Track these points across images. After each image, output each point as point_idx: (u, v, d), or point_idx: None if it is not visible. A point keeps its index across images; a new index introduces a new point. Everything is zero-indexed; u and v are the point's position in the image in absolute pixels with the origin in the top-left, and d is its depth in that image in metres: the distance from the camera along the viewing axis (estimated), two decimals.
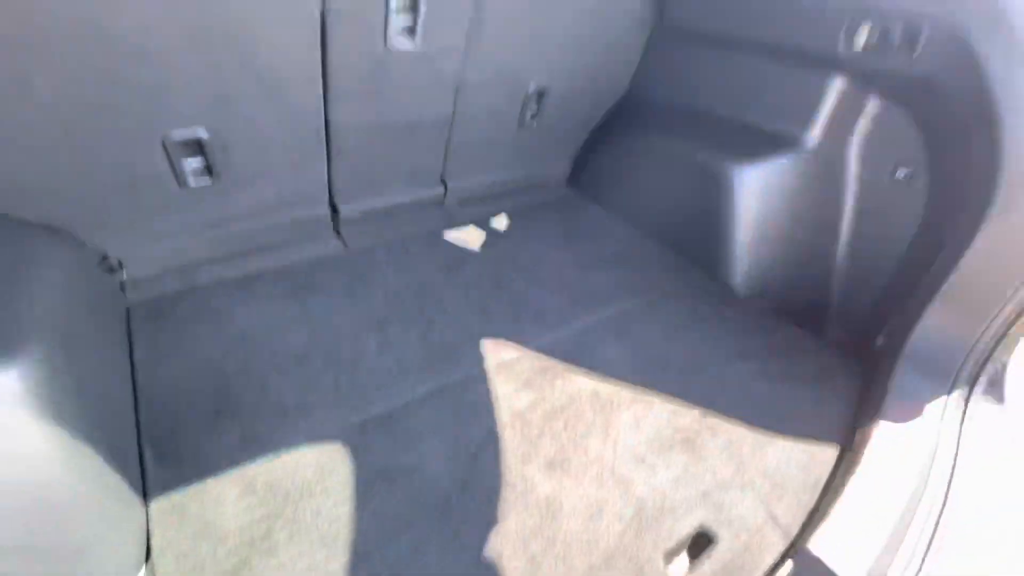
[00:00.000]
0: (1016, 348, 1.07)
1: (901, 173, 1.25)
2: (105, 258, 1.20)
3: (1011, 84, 0.94)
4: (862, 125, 1.28)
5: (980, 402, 1.06)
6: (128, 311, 1.17)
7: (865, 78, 1.23)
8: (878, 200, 1.29)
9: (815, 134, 1.35)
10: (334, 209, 1.51)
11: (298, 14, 1.02)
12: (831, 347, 1.30)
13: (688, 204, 1.55)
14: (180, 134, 1.09)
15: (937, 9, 1.02)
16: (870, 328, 1.27)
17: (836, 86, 1.27)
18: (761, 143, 1.42)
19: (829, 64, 1.26)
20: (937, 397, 1.05)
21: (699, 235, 1.52)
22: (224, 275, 1.32)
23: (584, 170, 1.94)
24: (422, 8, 1.12)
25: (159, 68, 0.96)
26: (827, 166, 1.34)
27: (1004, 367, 1.09)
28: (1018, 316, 1.00)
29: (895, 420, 1.02)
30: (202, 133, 1.11)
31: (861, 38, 1.14)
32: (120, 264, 1.23)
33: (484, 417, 1.02)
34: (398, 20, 1.12)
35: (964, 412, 1.03)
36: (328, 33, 1.07)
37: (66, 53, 0.86)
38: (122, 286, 1.22)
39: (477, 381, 1.10)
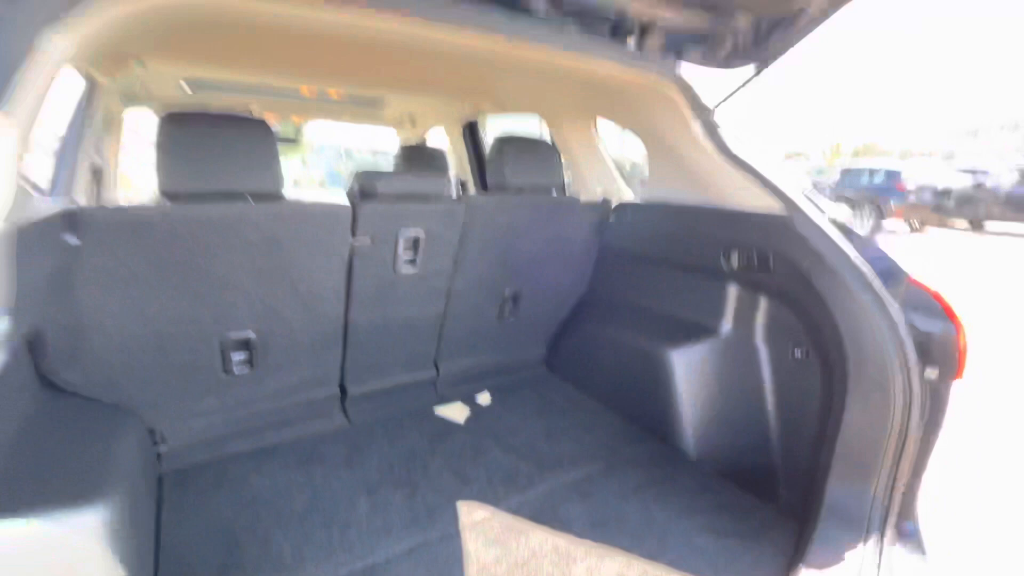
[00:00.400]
0: (927, 500, 1.24)
1: (797, 353, 1.57)
2: (152, 432, 1.46)
3: (836, 299, 1.31)
4: (760, 317, 1.65)
5: (900, 552, 1.20)
6: (160, 478, 1.39)
7: (751, 284, 1.63)
8: (787, 375, 1.59)
9: (727, 325, 1.71)
10: (343, 390, 1.81)
11: (334, 254, 1.47)
12: (773, 504, 1.45)
13: (639, 381, 1.84)
14: (235, 335, 1.45)
15: (773, 243, 1.46)
16: (804, 486, 1.45)
17: (733, 290, 1.68)
18: (690, 331, 1.77)
19: (724, 276, 1.68)
20: (854, 547, 1.19)
21: (651, 407, 1.78)
22: (244, 448, 1.56)
23: (556, 354, 2.29)
24: (421, 247, 1.59)
25: (233, 291, 1.37)
26: (743, 349, 1.67)
27: (916, 520, 1.25)
28: (897, 469, 1.21)
29: (819, 568, 1.15)
30: (251, 334, 1.47)
31: (735, 260, 1.58)
32: (162, 438, 1.49)
33: (455, 571, 1.16)
34: (404, 255, 1.58)
35: (879, 560, 1.16)
36: (353, 265, 1.52)
37: (175, 285, 1.27)
38: (159, 456, 1.46)
39: (452, 538, 1.26)
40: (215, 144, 1.25)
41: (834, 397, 1.39)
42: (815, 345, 1.49)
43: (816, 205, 1.38)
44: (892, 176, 13.07)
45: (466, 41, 1.15)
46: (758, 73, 1.40)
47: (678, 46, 1.41)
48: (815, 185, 14.22)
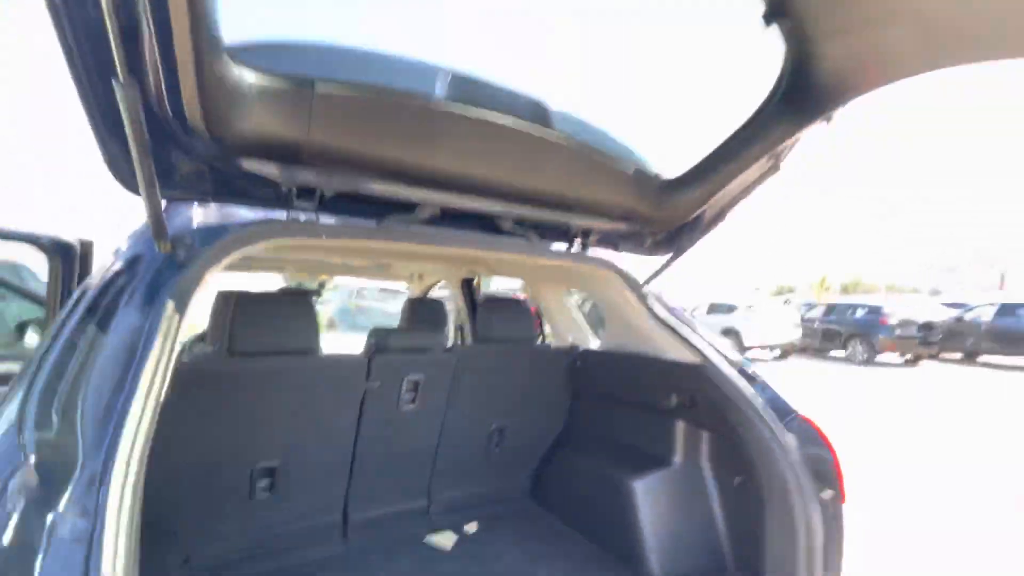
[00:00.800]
0: None
1: (736, 480, 1.84)
2: (185, 558, 1.70)
3: (747, 432, 1.64)
4: (704, 448, 1.95)
5: None
6: None
7: (694, 421, 1.97)
8: (731, 501, 1.84)
9: (678, 457, 2.00)
10: (345, 516, 2.05)
11: (351, 395, 1.85)
12: None
13: (610, 509, 2.07)
14: (263, 464, 1.76)
15: (695, 387, 1.82)
16: None
17: (680, 426, 2.00)
18: (650, 462, 2.05)
19: (669, 414, 2.02)
20: None
21: (620, 533, 1.99)
22: (253, 570, 1.77)
23: (539, 485, 2.52)
24: (421, 389, 1.97)
25: (268, 427, 1.72)
26: (692, 478, 1.94)
27: None
28: None
29: None
30: (276, 463, 1.79)
31: (673, 401, 1.93)
32: (187, 558, 1.72)
33: None
34: (406, 396, 1.96)
35: None
36: (364, 403, 1.89)
37: (223, 421, 1.63)
38: None
39: None
40: (271, 313, 1.71)
41: (762, 520, 1.65)
42: (749, 473, 1.78)
43: (724, 356, 1.78)
44: (875, 311, 13.77)
45: (459, 251, 1.66)
46: (676, 257, 1.91)
47: (614, 241, 1.94)
48: (803, 320, 14.86)
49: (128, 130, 0.78)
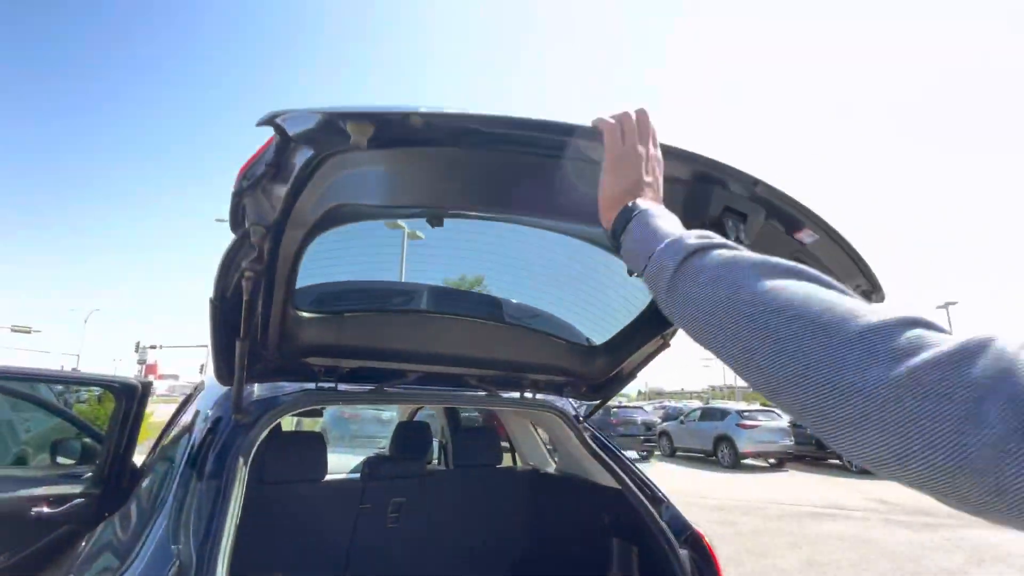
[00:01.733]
0: None
1: None
2: None
3: (654, 550, 2.09)
4: (635, 561, 2.36)
5: None
6: None
7: (625, 537, 2.40)
8: None
9: (614, 569, 2.40)
10: None
11: (348, 516, 2.31)
12: None
13: None
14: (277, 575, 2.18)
15: (617, 509, 2.30)
16: None
17: (616, 542, 2.43)
18: (595, 570, 2.44)
19: (604, 531, 2.46)
20: None
21: None
22: None
23: None
24: (404, 509, 2.44)
25: (282, 537, 2.17)
26: None
27: None
28: None
29: None
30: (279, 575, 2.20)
31: (605, 519, 2.39)
32: None
33: None
34: (391, 516, 2.42)
35: None
36: (357, 522, 2.34)
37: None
38: None
39: None
40: (293, 447, 2.24)
41: None
42: None
43: (641, 480, 2.27)
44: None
45: (427, 399, 2.26)
46: (604, 402, 2.48)
47: (558, 388, 2.53)
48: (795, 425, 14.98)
49: (236, 361, 1.39)
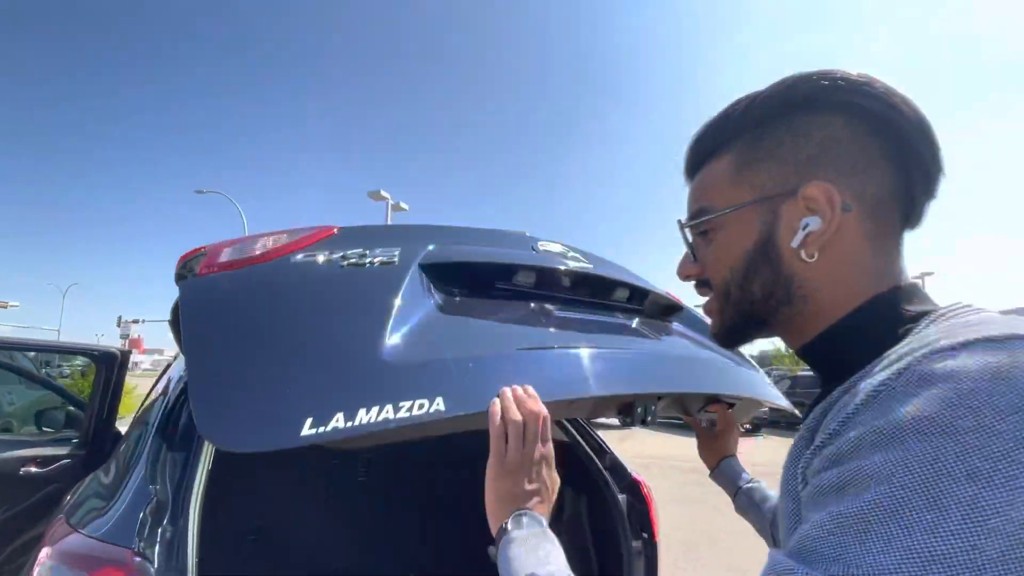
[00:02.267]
0: None
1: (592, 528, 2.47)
2: None
3: (600, 496, 2.31)
4: (584, 507, 2.59)
5: None
6: None
7: (573, 486, 2.62)
8: (597, 549, 2.46)
9: (566, 513, 2.64)
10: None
11: (320, 459, 2.50)
12: None
13: None
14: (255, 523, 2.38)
15: (566, 462, 2.51)
16: None
17: (567, 490, 2.66)
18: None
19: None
20: None
21: None
22: None
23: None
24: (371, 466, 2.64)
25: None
26: (575, 529, 2.57)
27: None
28: None
29: None
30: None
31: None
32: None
33: None
34: (361, 471, 2.62)
35: None
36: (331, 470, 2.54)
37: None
38: None
39: None
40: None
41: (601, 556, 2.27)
42: (600, 521, 2.42)
43: (591, 435, 2.48)
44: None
45: None
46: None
47: None
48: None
49: None
